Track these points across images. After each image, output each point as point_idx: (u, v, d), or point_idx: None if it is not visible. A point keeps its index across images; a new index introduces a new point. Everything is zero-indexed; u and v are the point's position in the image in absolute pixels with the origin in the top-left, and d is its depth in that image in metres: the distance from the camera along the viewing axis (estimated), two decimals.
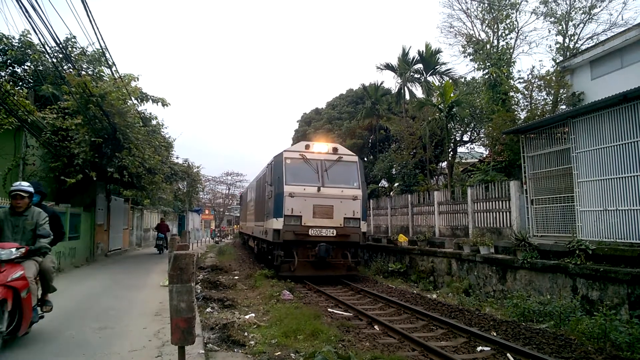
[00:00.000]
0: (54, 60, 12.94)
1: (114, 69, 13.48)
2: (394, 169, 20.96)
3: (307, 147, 12.42)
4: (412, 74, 22.66)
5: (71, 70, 12.84)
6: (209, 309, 7.81)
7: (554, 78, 14.43)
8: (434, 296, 10.14)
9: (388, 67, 23.35)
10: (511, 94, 15.21)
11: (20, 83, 14.76)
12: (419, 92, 22.94)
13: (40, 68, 14.15)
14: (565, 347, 5.87)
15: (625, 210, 7.74)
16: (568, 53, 16.80)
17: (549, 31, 23.44)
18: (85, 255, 14.83)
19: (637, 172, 7.58)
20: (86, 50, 15.09)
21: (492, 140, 14.81)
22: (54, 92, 13.17)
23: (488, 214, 11.61)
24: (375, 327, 7.22)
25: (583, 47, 16.64)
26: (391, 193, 20.83)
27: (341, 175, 12.21)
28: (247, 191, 22.55)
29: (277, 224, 11.36)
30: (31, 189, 5.11)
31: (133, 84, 14.64)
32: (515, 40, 18.72)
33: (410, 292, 10.50)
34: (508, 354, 5.62)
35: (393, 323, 7.35)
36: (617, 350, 5.63)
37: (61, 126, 12.44)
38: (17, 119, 11.11)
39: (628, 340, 5.64)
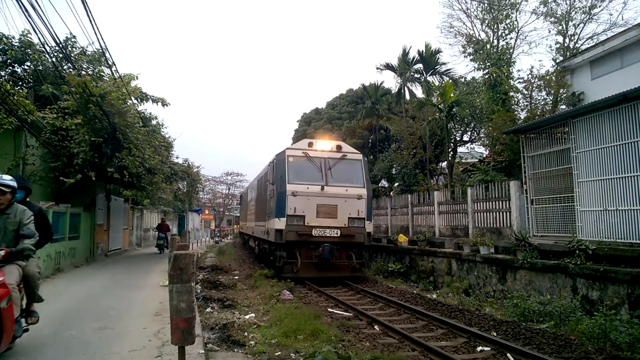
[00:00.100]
0: (54, 60, 12.94)
1: (113, 68, 13.50)
2: (394, 169, 20.96)
3: (310, 144, 12.07)
4: (412, 73, 22.66)
5: (71, 70, 12.84)
6: (209, 309, 7.81)
7: (553, 78, 14.43)
8: (434, 296, 10.13)
9: (388, 67, 23.35)
10: (511, 93, 15.21)
11: (20, 83, 14.75)
12: (419, 92, 22.98)
13: (40, 68, 14.14)
14: (566, 347, 5.87)
15: (625, 210, 7.74)
16: (568, 53, 16.79)
17: (549, 31, 23.50)
18: (85, 255, 14.83)
19: (637, 172, 7.58)
20: (86, 50, 15.09)
21: (492, 140, 14.81)
22: (54, 91, 13.16)
23: (488, 214, 11.60)
24: (375, 327, 7.22)
25: (583, 47, 16.63)
26: (391, 193, 20.83)
27: (345, 174, 11.88)
28: (248, 191, 22.42)
29: (280, 223, 11.08)
30: (14, 184, 4.51)
31: (133, 83, 14.66)
32: (515, 40, 18.73)
33: (410, 292, 10.49)
34: (508, 354, 5.62)
35: (393, 323, 7.35)
36: (617, 350, 5.63)
37: (61, 126, 12.43)
38: (17, 119, 11.10)
39: (628, 340, 5.64)
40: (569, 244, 8.02)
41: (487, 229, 11.46)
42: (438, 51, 21.36)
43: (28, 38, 14.07)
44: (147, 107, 17.93)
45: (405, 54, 22.15)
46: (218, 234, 41.64)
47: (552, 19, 18.07)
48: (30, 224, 4.51)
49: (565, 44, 17.86)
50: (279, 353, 5.26)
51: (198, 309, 7.10)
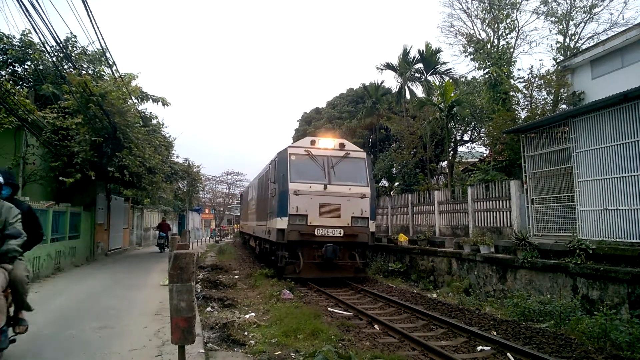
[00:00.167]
0: (55, 60, 12.95)
1: (114, 68, 13.51)
2: (394, 169, 20.95)
3: (312, 142, 11.83)
4: (412, 73, 22.64)
5: (71, 69, 12.85)
6: (209, 309, 7.81)
7: (554, 77, 14.42)
8: (434, 296, 10.13)
9: (388, 66, 23.33)
10: (511, 93, 15.20)
11: (21, 82, 14.76)
12: (419, 92, 22.96)
13: (41, 67, 14.15)
14: (566, 347, 5.86)
15: (625, 209, 7.73)
16: (569, 52, 16.78)
17: (550, 31, 23.41)
18: (86, 255, 14.84)
19: (637, 171, 7.57)
20: (86, 50, 15.10)
21: (492, 140, 14.80)
22: (54, 91, 13.16)
23: (488, 213, 11.59)
24: (376, 326, 7.22)
25: (584, 47, 16.61)
26: (391, 192, 20.83)
27: (349, 172, 11.66)
28: (248, 190, 22.32)
29: (282, 223, 10.87)
30: (0, 179, 4.22)
31: (133, 83, 14.67)
32: (516, 39, 18.70)
33: (411, 292, 10.49)
34: (508, 354, 5.61)
35: (393, 322, 7.35)
36: (618, 350, 5.63)
37: (61, 125, 12.44)
38: (18, 118, 11.11)
39: (628, 339, 5.64)
40: (569, 244, 8.02)
41: (488, 228, 11.45)
42: (438, 51, 21.35)
43: (29, 37, 14.09)
44: (148, 107, 17.89)
45: (405, 53, 22.14)
46: (218, 234, 41.59)
47: (553, 18, 18.05)
48: (17, 223, 4.12)
49: (566, 44, 17.84)
50: (279, 352, 5.26)
51: (198, 309, 7.10)
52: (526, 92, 15.27)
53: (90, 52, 15.07)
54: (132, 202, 23.28)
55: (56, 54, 12.97)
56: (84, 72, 13.15)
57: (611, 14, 17.88)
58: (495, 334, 6.58)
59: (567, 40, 17.95)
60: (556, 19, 17.96)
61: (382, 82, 25.77)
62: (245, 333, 6.11)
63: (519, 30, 18.55)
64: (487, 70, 15.60)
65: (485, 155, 19.34)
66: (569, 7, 17.81)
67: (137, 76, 14.89)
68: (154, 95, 16.15)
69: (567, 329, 6.59)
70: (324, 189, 11.08)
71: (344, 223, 11.09)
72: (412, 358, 5.63)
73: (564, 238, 8.78)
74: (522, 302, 7.67)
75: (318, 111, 31.95)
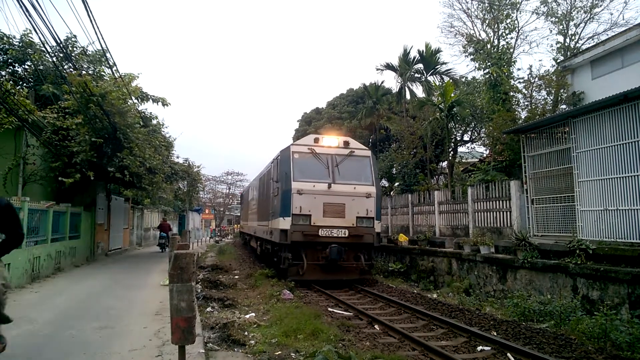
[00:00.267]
0: (55, 60, 12.96)
1: (114, 69, 13.51)
2: (394, 169, 20.95)
3: (316, 140, 11.46)
4: (412, 73, 22.67)
5: (72, 70, 12.85)
6: (209, 309, 7.81)
7: (554, 78, 14.43)
8: (434, 296, 10.13)
9: (389, 67, 23.35)
10: (511, 93, 15.21)
11: (21, 82, 14.77)
12: (419, 92, 22.99)
13: (41, 67, 14.16)
14: (566, 347, 5.86)
15: (625, 210, 7.74)
16: (569, 53, 16.79)
17: (550, 31, 23.40)
18: (86, 255, 14.85)
19: (637, 171, 7.58)
20: (87, 50, 15.10)
21: (492, 140, 14.81)
22: (55, 91, 13.17)
23: (488, 213, 11.59)
24: (376, 326, 7.22)
25: (584, 47, 16.62)
26: (391, 193, 20.83)
27: (353, 171, 11.31)
28: (249, 189, 22.11)
29: (284, 223, 10.50)
30: None
31: (134, 83, 14.68)
32: (516, 40, 18.72)
33: (411, 292, 10.48)
34: (508, 354, 5.61)
35: (393, 323, 7.35)
36: (618, 350, 5.63)
37: (62, 126, 12.44)
38: (18, 119, 11.12)
39: (628, 340, 5.64)
40: (570, 244, 8.02)
41: (488, 228, 11.45)
42: (438, 51, 21.39)
43: (29, 37, 14.10)
44: (148, 107, 17.91)
45: (405, 53, 22.16)
46: (218, 234, 41.59)
47: (553, 18, 18.07)
48: None
49: (566, 44, 17.85)
50: (279, 352, 5.26)
51: (198, 309, 7.10)
52: (526, 92, 15.29)
53: (90, 53, 15.08)
54: (132, 202, 23.29)
55: (56, 54, 12.99)
56: (84, 72, 13.16)
57: (611, 14, 17.92)
58: (495, 334, 6.58)
59: (567, 40, 17.97)
60: (556, 19, 17.97)
61: (382, 83, 25.85)
62: (246, 333, 6.11)
63: (519, 30, 18.58)
64: (487, 70, 15.62)
65: (485, 155, 19.35)
66: (569, 7, 17.84)
67: (138, 77, 14.93)
68: (154, 96, 16.18)
69: (567, 329, 6.59)
70: (328, 188, 10.76)
71: (349, 223, 10.75)
72: (412, 358, 5.63)
73: (564, 238, 8.79)
74: (522, 302, 7.66)
75: (318, 111, 31.96)
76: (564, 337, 6.25)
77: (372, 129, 24.93)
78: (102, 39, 12.49)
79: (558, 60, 15.49)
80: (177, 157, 21.39)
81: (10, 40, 14.26)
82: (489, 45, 16.72)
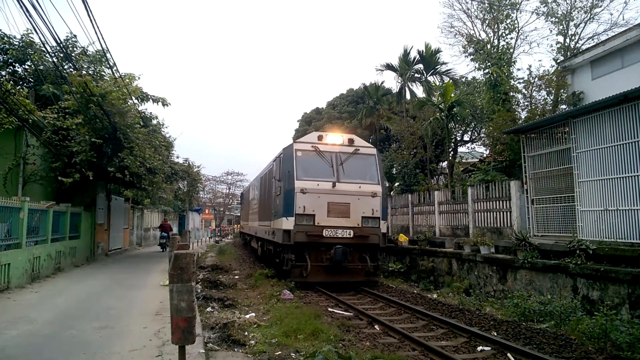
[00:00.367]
0: (55, 60, 12.96)
1: (114, 69, 13.51)
2: (394, 169, 20.95)
3: (319, 138, 11.11)
4: (412, 73, 22.66)
5: (72, 70, 12.85)
6: (209, 309, 7.81)
7: (554, 78, 14.43)
8: (435, 296, 10.13)
9: (389, 67, 23.34)
10: (511, 93, 15.22)
11: (21, 82, 14.77)
12: (419, 92, 22.98)
13: (41, 67, 14.16)
14: (566, 347, 5.87)
15: (625, 210, 7.74)
16: (569, 53, 16.79)
17: (550, 31, 23.41)
18: (86, 255, 14.85)
19: (637, 171, 7.58)
20: (87, 50, 15.10)
21: (492, 140, 14.82)
22: (55, 91, 13.17)
23: (488, 213, 11.60)
24: (376, 326, 7.22)
25: (584, 47, 16.63)
26: (391, 193, 20.83)
27: (358, 170, 10.98)
28: (250, 189, 21.91)
29: (287, 223, 10.17)
30: None
31: (134, 83, 14.67)
32: (516, 40, 18.74)
33: (411, 292, 10.48)
34: (508, 354, 5.61)
35: (393, 323, 7.35)
36: (618, 350, 5.63)
37: (62, 126, 12.44)
38: (18, 119, 11.12)
39: (628, 340, 5.64)
40: (570, 244, 8.02)
41: (488, 228, 11.45)
42: (438, 51, 21.38)
43: (29, 37, 14.10)
44: (148, 107, 17.91)
45: (405, 54, 22.16)
46: (218, 234, 41.58)
47: (553, 18, 18.08)
48: None
49: (566, 44, 17.86)
50: (279, 352, 5.26)
51: (198, 309, 7.10)
52: (526, 92, 15.29)
53: (90, 53, 15.08)
54: (132, 202, 23.29)
55: (56, 54, 12.99)
56: (84, 72, 13.16)
57: (611, 15, 17.93)
58: (495, 334, 6.58)
59: (567, 40, 17.98)
60: (556, 20, 17.98)
61: (382, 83, 25.84)
62: (246, 333, 6.12)
63: (519, 30, 18.60)
64: (487, 70, 15.63)
65: (485, 155, 19.36)
66: (569, 8, 17.85)
67: (139, 78, 14.93)
68: (154, 96, 16.18)
69: (567, 330, 6.59)
70: (332, 187, 10.44)
71: (354, 223, 10.42)
72: (412, 358, 5.63)
73: (564, 238, 8.79)
74: (522, 303, 7.67)
75: (318, 111, 31.97)
76: (564, 337, 6.26)
77: (372, 129, 24.92)
78: (103, 39, 12.46)
79: (558, 61, 15.50)
80: (177, 157, 21.40)
81: (11, 40, 14.26)
82: (489, 46, 16.73)
